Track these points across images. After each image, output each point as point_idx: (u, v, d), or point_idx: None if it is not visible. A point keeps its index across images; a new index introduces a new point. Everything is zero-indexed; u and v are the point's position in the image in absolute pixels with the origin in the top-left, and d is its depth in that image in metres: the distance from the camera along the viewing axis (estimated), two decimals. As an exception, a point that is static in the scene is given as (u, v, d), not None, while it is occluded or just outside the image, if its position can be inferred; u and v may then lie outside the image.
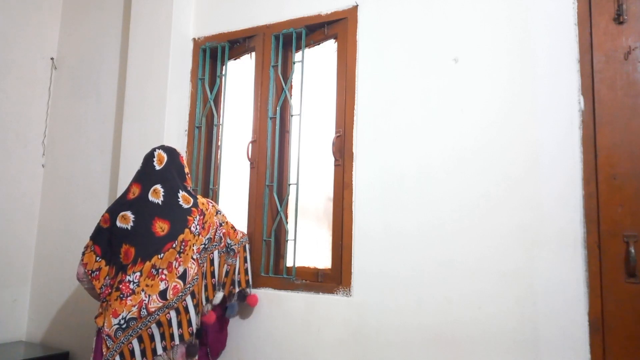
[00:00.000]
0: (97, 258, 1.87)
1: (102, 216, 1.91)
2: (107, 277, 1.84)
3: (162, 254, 1.79)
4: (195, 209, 1.91)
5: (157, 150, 1.97)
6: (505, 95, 1.81)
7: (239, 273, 2.07)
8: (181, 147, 2.50)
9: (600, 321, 1.58)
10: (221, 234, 2.02)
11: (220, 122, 2.48)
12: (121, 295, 1.74)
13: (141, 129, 2.45)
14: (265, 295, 2.15)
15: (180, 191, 1.92)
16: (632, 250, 1.56)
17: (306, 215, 2.26)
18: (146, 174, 1.93)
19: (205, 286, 1.95)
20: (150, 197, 1.87)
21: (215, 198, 2.42)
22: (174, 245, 1.81)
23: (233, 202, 2.44)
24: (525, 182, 1.74)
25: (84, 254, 1.90)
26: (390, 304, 1.89)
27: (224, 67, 2.51)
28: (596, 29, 1.70)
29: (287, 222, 2.23)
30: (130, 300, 1.73)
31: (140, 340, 1.72)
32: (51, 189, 2.90)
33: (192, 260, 1.85)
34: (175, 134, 2.46)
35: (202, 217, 1.93)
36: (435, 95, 1.93)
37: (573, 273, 1.63)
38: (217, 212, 2.03)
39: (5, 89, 2.77)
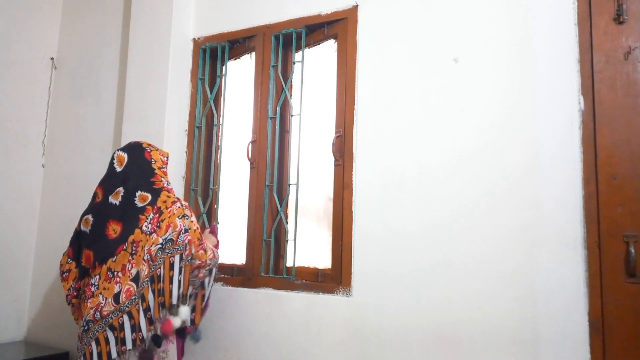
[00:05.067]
0: (69, 260, 1.91)
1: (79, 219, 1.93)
2: (74, 280, 1.88)
3: (115, 257, 1.76)
4: (151, 207, 1.81)
5: (116, 152, 1.94)
6: (505, 95, 1.81)
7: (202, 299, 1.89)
8: (181, 147, 2.50)
9: (600, 321, 1.58)
10: (186, 240, 1.80)
11: (220, 122, 2.48)
12: (85, 298, 1.78)
13: (141, 129, 2.45)
14: (265, 295, 2.15)
15: (139, 191, 1.84)
16: (632, 250, 1.56)
17: (306, 215, 2.25)
18: (108, 178, 1.91)
19: (162, 290, 1.76)
20: (110, 199, 1.85)
21: (215, 198, 2.43)
22: (125, 247, 1.77)
23: (233, 202, 2.44)
24: (525, 182, 1.74)
25: (63, 255, 1.94)
26: (390, 304, 1.89)
27: (224, 67, 2.50)
28: (596, 29, 1.70)
29: (287, 222, 2.23)
30: (90, 302, 1.75)
31: (98, 343, 1.72)
32: (51, 189, 2.90)
33: (144, 262, 1.76)
34: (175, 134, 2.46)
35: (157, 215, 1.80)
36: (435, 95, 1.93)
37: (573, 273, 1.63)
38: (184, 215, 1.83)
39: (5, 89, 2.77)
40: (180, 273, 1.79)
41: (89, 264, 1.81)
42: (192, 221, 1.85)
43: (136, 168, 1.89)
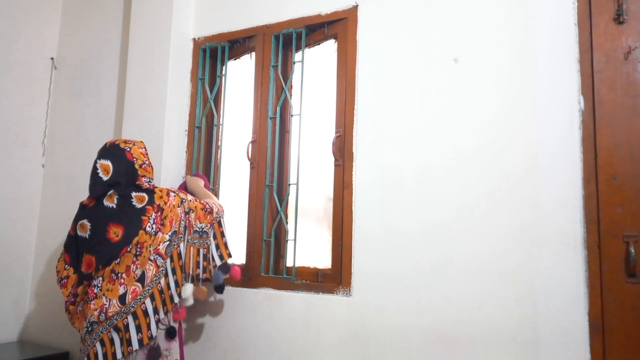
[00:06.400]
0: (66, 266, 1.88)
1: (71, 224, 1.89)
2: (73, 286, 1.86)
3: (118, 259, 1.76)
4: (151, 206, 1.82)
5: (98, 161, 1.85)
6: (505, 95, 1.81)
7: (217, 248, 2.04)
8: (181, 147, 2.50)
9: (600, 321, 1.58)
10: (186, 224, 1.92)
11: (220, 122, 2.48)
12: (87, 299, 1.78)
13: (141, 129, 2.45)
14: (265, 295, 2.15)
15: (134, 192, 1.83)
16: (632, 250, 1.56)
17: (306, 215, 2.25)
18: (95, 186, 1.84)
19: (176, 282, 1.88)
20: (105, 202, 1.81)
21: (215, 198, 2.42)
22: (129, 249, 1.76)
23: (233, 202, 2.44)
24: (525, 182, 1.74)
25: (58, 260, 1.92)
26: (390, 304, 1.89)
27: (224, 67, 2.51)
28: (596, 29, 1.70)
29: (287, 222, 2.23)
30: (93, 304, 1.75)
31: (103, 343, 1.72)
32: (51, 189, 2.89)
33: (150, 262, 1.78)
34: (175, 134, 2.46)
35: (159, 213, 1.83)
36: (435, 95, 1.93)
37: (573, 273, 1.63)
38: (182, 201, 1.92)
39: (5, 89, 2.77)
40: (186, 257, 1.93)
41: (91, 269, 1.79)
42: (189, 200, 1.96)
43: (123, 172, 1.85)
